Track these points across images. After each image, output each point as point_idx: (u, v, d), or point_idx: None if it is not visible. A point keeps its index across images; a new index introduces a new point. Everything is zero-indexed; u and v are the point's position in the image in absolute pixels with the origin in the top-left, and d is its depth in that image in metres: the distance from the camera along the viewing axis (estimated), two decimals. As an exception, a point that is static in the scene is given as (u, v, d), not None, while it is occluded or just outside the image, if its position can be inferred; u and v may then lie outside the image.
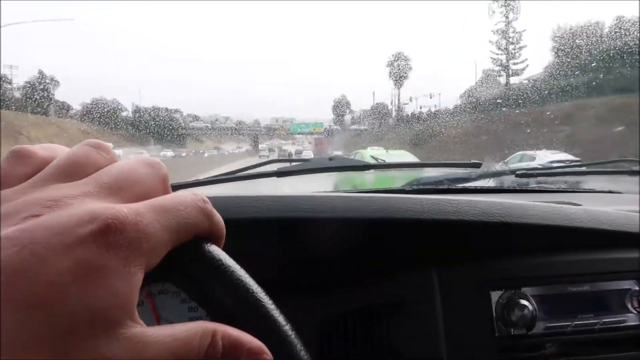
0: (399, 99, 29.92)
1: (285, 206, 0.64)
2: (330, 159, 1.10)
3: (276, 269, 0.53)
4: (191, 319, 0.72)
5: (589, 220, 0.70)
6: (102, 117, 14.17)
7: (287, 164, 1.10)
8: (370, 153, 4.48)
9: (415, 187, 1.17)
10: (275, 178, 1.05)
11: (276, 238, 0.64)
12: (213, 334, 0.23)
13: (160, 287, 0.72)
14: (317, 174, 1.08)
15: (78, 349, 0.19)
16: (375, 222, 0.65)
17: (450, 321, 0.66)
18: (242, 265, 0.27)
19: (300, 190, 0.88)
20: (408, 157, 5.05)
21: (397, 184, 1.30)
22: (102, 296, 0.20)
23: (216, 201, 0.28)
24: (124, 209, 0.22)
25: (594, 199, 1.14)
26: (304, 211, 0.63)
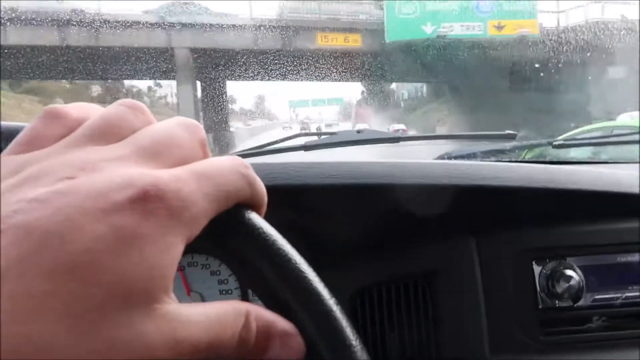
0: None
1: (322, 173, 0.61)
2: (359, 131, 1.07)
3: (312, 239, 0.51)
4: (221, 292, 0.70)
5: None
6: None
7: (314, 138, 1.07)
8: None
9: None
10: (302, 152, 1.02)
11: (310, 206, 0.62)
12: (246, 315, 0.21)
13: (189, 259, 0.71)
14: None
15: (111, 322, 0.17)
16: (409, 189, 0.62)
17: (490, 292, 0.63)
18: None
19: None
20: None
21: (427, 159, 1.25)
22: (139, 267, 0.18)
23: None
24: (165, 175, 0.21)
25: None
26: (338, 178, 0.61)
